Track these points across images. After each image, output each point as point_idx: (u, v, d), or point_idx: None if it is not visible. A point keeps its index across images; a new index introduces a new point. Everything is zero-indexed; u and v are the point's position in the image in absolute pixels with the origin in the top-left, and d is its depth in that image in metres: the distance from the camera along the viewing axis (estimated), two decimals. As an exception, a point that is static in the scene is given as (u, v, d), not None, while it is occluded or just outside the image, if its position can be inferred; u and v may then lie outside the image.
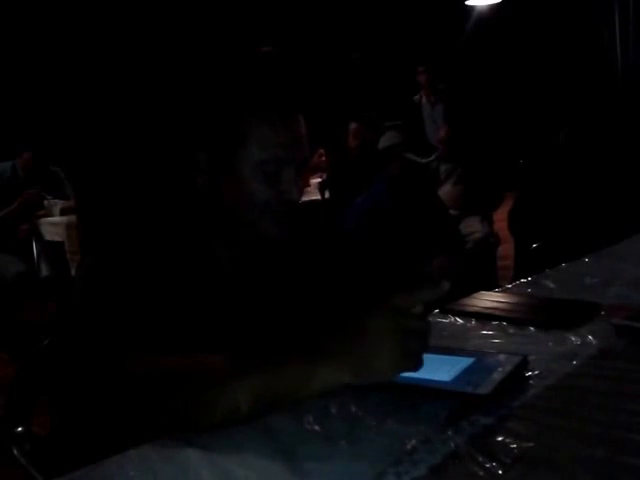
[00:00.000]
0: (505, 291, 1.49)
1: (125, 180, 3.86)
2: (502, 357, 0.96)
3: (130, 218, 1.13)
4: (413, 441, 0.77)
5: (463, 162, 4.22)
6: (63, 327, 1.09)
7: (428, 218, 2.95)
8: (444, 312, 1.29)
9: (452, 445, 0.76)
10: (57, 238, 4.06)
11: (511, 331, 1.17)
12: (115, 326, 0.93)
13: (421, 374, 0.86)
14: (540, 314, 1.25)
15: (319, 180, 4.92)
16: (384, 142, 2.94)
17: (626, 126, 3.68)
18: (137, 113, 4.12)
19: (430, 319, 0.91)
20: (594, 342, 1.09)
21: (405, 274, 2.69)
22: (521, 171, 4.64)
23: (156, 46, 4.54)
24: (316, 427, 0.81)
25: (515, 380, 0.92)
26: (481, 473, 0.70)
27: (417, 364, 0.85)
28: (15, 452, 1.09)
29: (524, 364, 0.96)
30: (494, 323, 1.22)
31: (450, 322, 1.25)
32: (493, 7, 6.71)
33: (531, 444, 0.75)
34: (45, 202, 4.26)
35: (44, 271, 4.08)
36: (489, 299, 1.36)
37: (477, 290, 1.42)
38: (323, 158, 5.23)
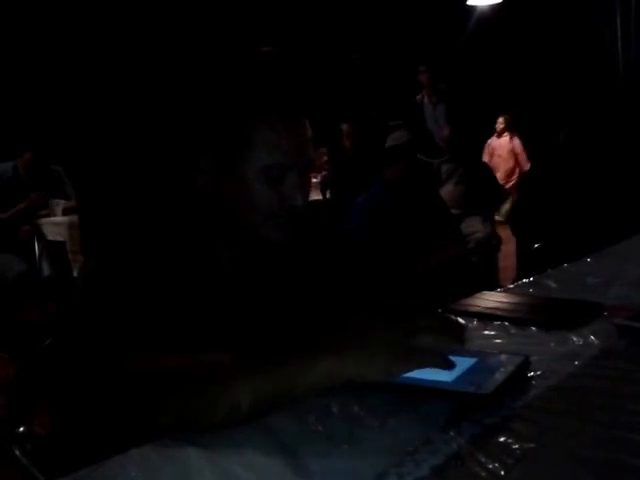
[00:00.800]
0: (507, 291, 1.49)
1: (127, 180, 3.86)
2: (504, 357, 0.96)
3: (131, 218, 1.13)
4: (415, 441, 0.77)
5: (464, 162, 4.22)
6: (64, 327, 1.10)
7: (429, 217, 2.95)
8: (446, 312, 1.29)
9: (454, 445, 0.76)
10: (59, 238, 4.06)
11: (513, 331, 1.17)
12: (116, 326, 0.93)
13: (423, 374, 0.85)
14: (542, 314, 1.25)
15: (319, 180, 4.92)
16: (391, 142, 2.94)
17: (627, 126, 3.67)
18: (139, 113, 4.12)
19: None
20: (596, 342, 1.09)
21: (405, 274, 2.69)
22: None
23: (158, 46, 4.54)
24: (318, 427, 0.81)
25: (517, 380, 0.92)
26: (483, 474, 0.70)
27: (417, 363, 0.84)
28: (16, 452, 1.09)
29: (526, 364, 0.95)
30: (496, 323, 1.22)
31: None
32: (494, 7, 6.70)
33: (533, 444, 0.75)
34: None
35: (45, 271, 4.08)
36: (491, 299, 1.36)
37: (479, 290, 1.42)
38: (325, 158, 5.23)
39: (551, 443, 0.77)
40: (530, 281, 1.53)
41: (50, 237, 4.12)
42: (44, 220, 4.18)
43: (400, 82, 6.53)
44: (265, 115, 1.04)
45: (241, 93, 1.07)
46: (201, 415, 0.83)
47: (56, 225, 4.11)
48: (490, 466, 0.71)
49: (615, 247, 1.86)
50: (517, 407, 0.86)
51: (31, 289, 3.91)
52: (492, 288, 1.49)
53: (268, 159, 1.03)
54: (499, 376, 0.89)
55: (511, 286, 1.55)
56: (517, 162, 7.48)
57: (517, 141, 7.58)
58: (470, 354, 0.97)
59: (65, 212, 4.20)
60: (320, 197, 4.45)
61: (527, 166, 6.93)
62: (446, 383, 0.87)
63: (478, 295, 1.40)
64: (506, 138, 7.66)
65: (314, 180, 5.01)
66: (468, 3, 6.59)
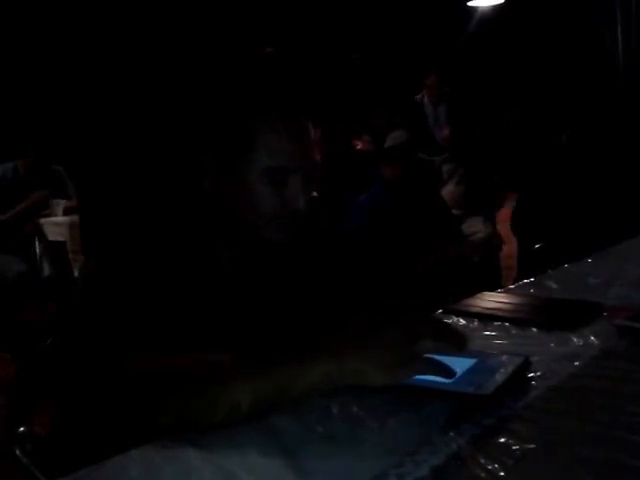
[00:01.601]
0: (507, 292, 1.49)
1: (128, 180, 3.86)
2: (504, 358, 0.96)
3: (132, 218, 1.13)
4: (415, 442, 0.77)
5: (465, 162, 4.22)
6: (64, 327, 1.10)
7: (429, 217, 2.95)
8: (447, 313, 1.29)
9: (454, 446, 0.76)
10: (60, 238, 4.05)
11: (513, 332, 1.17)
12: (116, 326, 0.93)
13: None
14: (542, 315, 1.25)
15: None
16: (391, 142, 2.94)
17: (627, 126, 3.67)
18: (142, 113, 4.12)
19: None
20: (596, 343, 1.09)
21: (405, 274, 2.69)
22: (524, 172, 4.64)
23: (160, 46, 4.54)
24: (318, 428, 0.81)
25: (517, 381, 0.92)
26: (483, 474, 0.70)
27: (417, 370, 0.84)
28: (17, 452, 1.09)
29: (526, 365, 0.96)
30: (496, 324, 1.22)
31: (453, 323, 1.24)
32: (495, 8, 6.71)
33: (533, 445, 0.75)
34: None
35: (46, 271, 4.08)
36: (491, 300, 1.36)
37: (480, 290, 1.42)
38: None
39: (551, 443, 0.77)
40: (531, 281, 1.53)
41: (51, 237, 4.12)
42: (45, 220, 4.17)
43: (400, 82, 6.53)
44: (269, 117, 1.04)
45: (245, 94, 1.07)
46: (201, 415, 0.83)
47: (57, 225, 4.11)
48: (490, 467, 0.71)
49: (616, 247, 1.86)
50: (517, 408, 0.86)
51: (31, 289, 3.91)
52: (493, 288, 1.49)
53: (271, 162, 1.03)
54: (499, 377, 0.89)
55: (512, 286, 1.55)
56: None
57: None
58: (470, 355, 0.97)
59: (66, 212, 4.20)
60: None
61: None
62: (446, 384, 0.87)
63: (478, 295, 1.40)
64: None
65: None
66: (469, 4, 6.59)
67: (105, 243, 1.08)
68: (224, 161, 1.06)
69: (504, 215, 4.00)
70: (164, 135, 3.46)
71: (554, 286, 1.48)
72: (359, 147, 5.04)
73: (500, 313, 1.27)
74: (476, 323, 1.23)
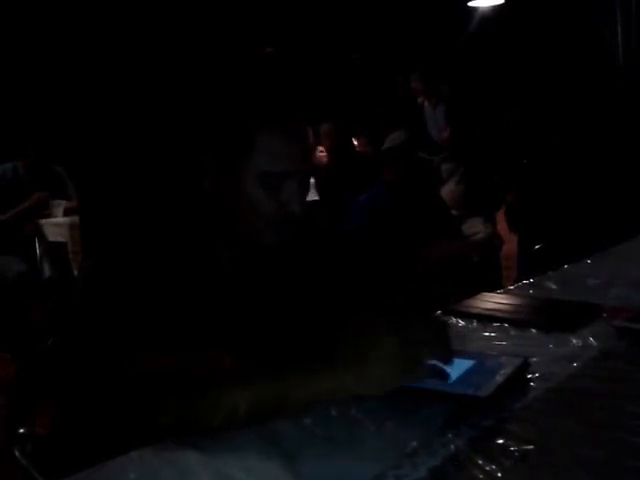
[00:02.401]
0: (507, 292, 1.49)
1: (128, 181, 3.86)
2: (503, 359, 0.96)
3: (132, 218, 1.13)
4: (413, 444, 0.77)
5: (465, 162, 4.22)
6: (65, 327, 1.10)
7: (429, 218, 2.95)
8: (446, 313, 1.29)
9: (452, 448, 0.76)
10: (60, 239, 4.05)
11: (512, 333, 1.18)
12: (116, 326, 0.93)
13: None
14: (541, 316, 1.25)
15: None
16: (389, 142, 2.94)
17: (627, 126, 3.67)
18: (142, 113, 4.12)
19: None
20: (595, 344, 1.09)
21: (405, 274, 2.69)
22: (524, 172, 4.63)
23: (161, 46, 4.54)
24: (316, 430, 0.81)
25: (516, 382, 0.92)
26: (481, 476, 0.70)
27: (415, 378, 0.84)
28: (16, 453, 1.09)
29: (525, 366, 0.96)
30: (495, 325, 1.22)
31: (452, 324, 1.25)
32: (495, 8, 6.70)
33: (531, 446, 0.75)
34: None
35: (46, 272, 4.08)
36: (491, 301, 1.36)
37: (480, 291, 1.42)
38: (323, 154, 5.20)
39: (550, 445, 0.77)
40: (530, 282, 1.53)
41: (51, 238, 4.11)
42: (45, 221, 4.17)
43: (399, 82, 6.52)
44: (269, 118, 1.04)
45: (245, 94, 1.07)
46: (199, 417, 0.83)
47: (57, 226, 4.11)
48: (488, 468, 0.71)
49: (615, 248, 1.86)
50: (516, 409, 0.86)
51: (32, 290, 3.91)
52: (493, 289, 1.49)
53: (266, 166, 1.03)
54: (498, 378, 0.89)
55: (511, 287, 1.55)
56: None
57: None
58: (469, 356, 0.97)
59: (66, 213, 4.19)
60: (317, 198, 4.43)
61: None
62: (445, 385, 0.87)
63: (478, 296, 1.40)
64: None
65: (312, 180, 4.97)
66: (469, 4, 6.59)
67: (105, 243, 1.08)
68: (224, 161, 1.06)
69: (504, 215, 4.00)
70: (164, 135, 3.46)
71: (554, 287, 1.48)
72: (356, 148, 5.04)
73: (499, 314, 1.27)
74: (475, 324, 1.23)
